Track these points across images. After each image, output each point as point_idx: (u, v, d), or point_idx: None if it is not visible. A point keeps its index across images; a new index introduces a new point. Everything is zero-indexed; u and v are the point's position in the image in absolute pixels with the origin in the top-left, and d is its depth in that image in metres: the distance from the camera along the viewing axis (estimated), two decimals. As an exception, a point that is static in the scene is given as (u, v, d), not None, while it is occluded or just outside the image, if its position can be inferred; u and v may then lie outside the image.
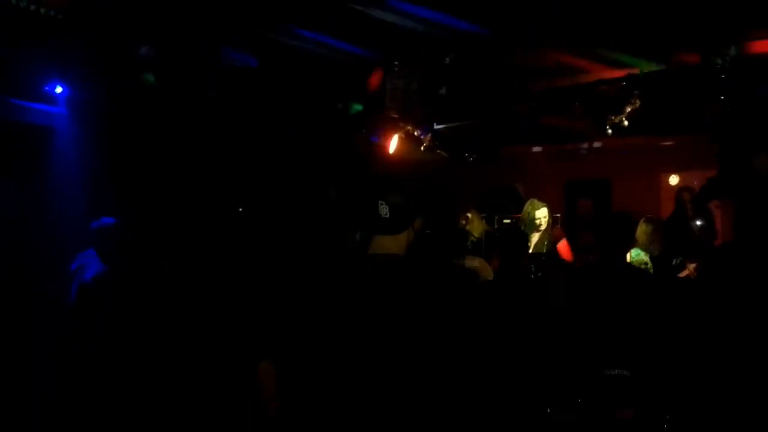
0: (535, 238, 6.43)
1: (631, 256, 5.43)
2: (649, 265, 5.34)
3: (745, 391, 3.44)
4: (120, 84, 4.15)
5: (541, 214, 5.82)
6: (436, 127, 5.93)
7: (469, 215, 6.51)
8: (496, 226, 6.86)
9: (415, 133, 5.97)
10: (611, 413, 2.36)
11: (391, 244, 2.54)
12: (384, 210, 2.55)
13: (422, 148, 6.10)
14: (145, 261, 3.58)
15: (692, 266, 4.98)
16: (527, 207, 5.97)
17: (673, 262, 5.04)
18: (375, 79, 4.98)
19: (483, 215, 6.83)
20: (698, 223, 5.58)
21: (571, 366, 3.40)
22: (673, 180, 7.31)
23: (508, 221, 7.01)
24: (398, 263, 2.52)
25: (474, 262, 4.82)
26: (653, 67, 4.67)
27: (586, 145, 6.79)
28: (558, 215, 6.85)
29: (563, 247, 5.98)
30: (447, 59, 4.69)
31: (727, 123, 4.43)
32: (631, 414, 2.38)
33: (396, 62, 4.93)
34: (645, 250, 5.32)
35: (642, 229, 5.27)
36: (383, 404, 2.33)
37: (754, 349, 3.36)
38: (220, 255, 3.87)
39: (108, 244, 3.63)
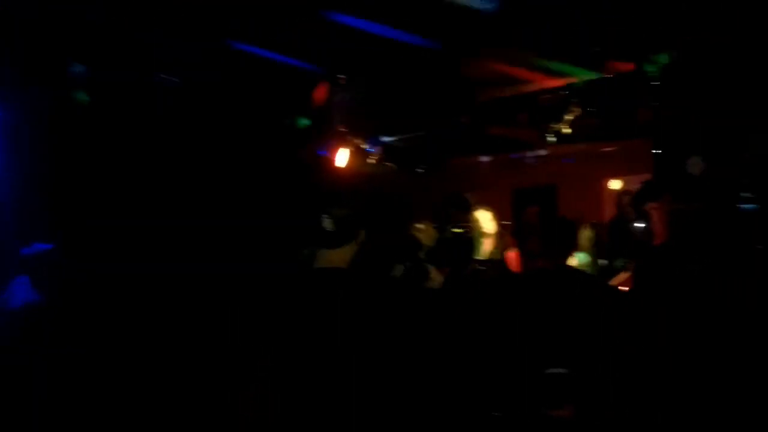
0: (484, 245, 6.54)
1: (577, 260, 5.58)
2: (593, 268, 5.51)
3: (680, 388, 3.56)
4: (51, 101, 4.05)
5: (485, 218, 5.94)
6: (384, 139, 5.99)
7: (421, 225, 6.57)
8: (448, 236, 6.94)
9: (364, 147, 6.02)
10: (548, 411, 2.41)
11: (336, 257, 2.56)
12: (328, 223, 2.57)
13: (371, 161, 6.15)
14: (84, 289, 3.47)
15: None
16: (472, 215, 6.09)
17: (617, 265, 5.20)
18: (320, 93, 5.01)
19: (435, 225, 6.91)
20: (639, 225, 5.77)
21: (514, 367, 3.47)
22: (616, 185, 7.54)
23: (459, 230, 7.09)
24: (342, 277, 2.53)
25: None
26: (591, 76, 4.84)
27: (532, 154, 6.95)
28: (507, 223, 6.98)
29: (511, 254, 6.11)
30: (392, 72, 4.75)
31: (661, 128, 4.61)
32: (569, 412, 2.43)
33: (341, 75, 4.96)
34: (589, 254, 5.48)
35: (584, 235, 5.44)
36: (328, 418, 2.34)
37: (687, 347, 3.48)
38: (164, 274, 3.82)
39: (42, 272, 3.48)
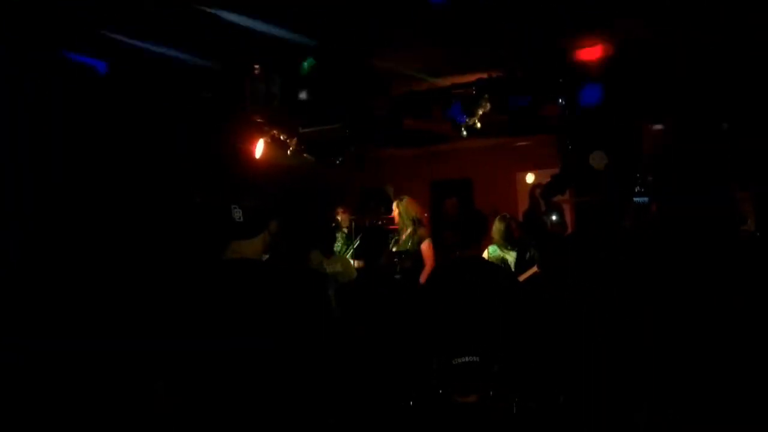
0: (402, 236, 6.65)
1: (488, 253, 5.75)
2: (507, 259, 5.69)
3: (586, 373, 3.76)
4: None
5: (404, 210, 6.05)
6: (301, 130, 5.96)
7: (339, 211, 6.61)
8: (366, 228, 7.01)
9: (281, 137, 5.96)
10: (458, 398, 2.49)
11: (246, 248, 2.54)
12: (237, 214, 2.54)
13: (289, 152, 6.11)
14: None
15: None
16: (394, 207, 6.19)
17: (527, 256, 5.39)
18: (235, 83, 4.93)
19: (352, 217, 6.96)
20: (552, 217, 6.00)
21: (426, 357, 3.56)
22: (530, 178, 7.80)
23: (378, 223, 7.18)
24: (251, 268, 2.52)
25: (336, 266, 4.91)
26: (499, 72, 4.98)
27: (447, 147, 7.09)
28: (425, 215, 7.11)
29: (426, 246, 6.23)
30: (306, 64, 4.73)
31: (565, 124, 4.81)
32: (475, 398, 2.52)
33: (256, 66, 4.90)
34: (500, 246, 5.65)
35: (496, 227, 5.61)
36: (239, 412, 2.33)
37: (590, 333, 3.68)
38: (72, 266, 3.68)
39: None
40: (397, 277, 5.35)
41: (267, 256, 2.66)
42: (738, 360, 3.45)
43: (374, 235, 4.54)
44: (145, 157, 4.71)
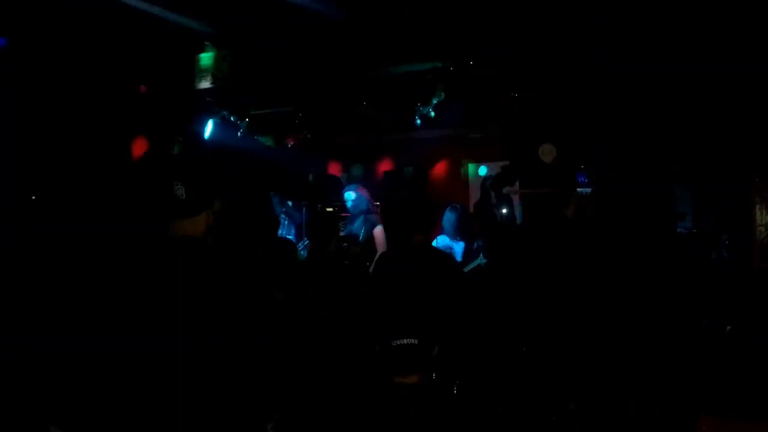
0: (354, 224, 6.65)
1: (437, 242, 5.79)
2: (455, 249, 5.74)
3: (525, 357, 3.84)
4: None
5: (348, 197, 6.05)
6: (253, 112, 5.86)
7: None
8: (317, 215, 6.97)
9: (232, 119, 5.86)
10: (398, 378, 2.50)
11: (190, 226, 2.48)
12: (180, 191, 2.48)
13: (239, 133, 6.00)
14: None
15: None
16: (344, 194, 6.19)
17: (474, 246, 5.45)
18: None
19: (305, 203, 6.91)
20: (501, 210, 6.08)
21: (367, 340, 3.58)
22: (482, 170, 7.88)
23: (330, 209, 7.15)
24: (193, 247, 2.47)
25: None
26: (455, 61, 5.00)
27: (401, 136, 7.09)
28: (377, 203, 7.12)
29: (379, 232, 6.24)
30: (259, 45, 4.65)
31: (517, 116, 4.87)
32: (416, 379, 2.54)
33: (207, 43, 4.79)
34: (449, 236, 5.70)
35: (446, 217, 5.65)
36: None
37: (534, 320, 3.76)
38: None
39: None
40: (346, 262, 5.33)
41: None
42: (666, 352, 3.57)
43: (325, 219, 4.53)
44: (83, 136, 4.57)
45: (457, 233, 5.68)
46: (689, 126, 4.95)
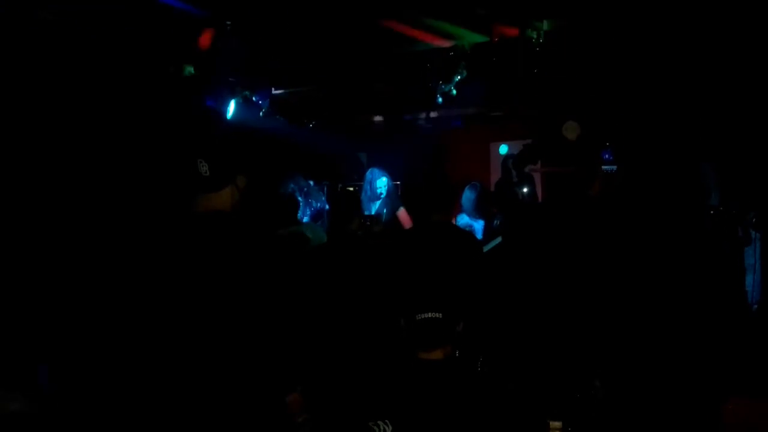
0: (376, 205, 6.66)
1: (456, 222, 5.78)
2: (474, 228, 5.73)
3: (547, 335, 3.84)
4: None
5: (381, 184, 6.05)
6: (274, 92, 5.87)
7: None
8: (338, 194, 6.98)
9: (253, 99, 5.87)
10: (421, 353, 2.51)
11: (215, 202, 2.52)
12: (204, 168, 2.52)
13: (261, 113, 6.02)
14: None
15: None
16: (368, 176, 6.17)
17: (494, 224, 5.43)
18: (205, 39, 4.80)
19: (327, 183, 6.93)
20: (524, 188, 6.05)
21: (393, 315, 3.60)
22: (503, 149, 7.81)
23: (351, 189, 7.16)
24: (222, 221, 2.50)
25: (307, 232, 4.91)
26: (477, 39, 4.96)
27: (423, 115, 7.06)
28: (398, 183, 7.11)
29: (403, 214, 6.25)
30: (281, 23, 4.64)
31: (541, 94, 4.82)
32: (440, 355, 2.55)
33: (229, 22, 4.78)
34: (469, 214, 5.69)
35: (466, 196, 5.64)
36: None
37: (552, 297, 3.75)
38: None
39: None
40: (369, 241, 5.36)
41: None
42: (694, 331, 3.54)
43: (346, 199, 4.54)
44: (109, 116, 4.60)
45: (477, 212, 5.66)
46: (714, 103, 4.87)
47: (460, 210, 5.77)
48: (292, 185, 4.74)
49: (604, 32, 4.61)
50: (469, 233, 4.57)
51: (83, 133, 4.43)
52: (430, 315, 2.50)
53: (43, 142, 4.17)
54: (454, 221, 5.65)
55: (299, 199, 5.73)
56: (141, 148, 4.43)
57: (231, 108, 5.78)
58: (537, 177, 6.01)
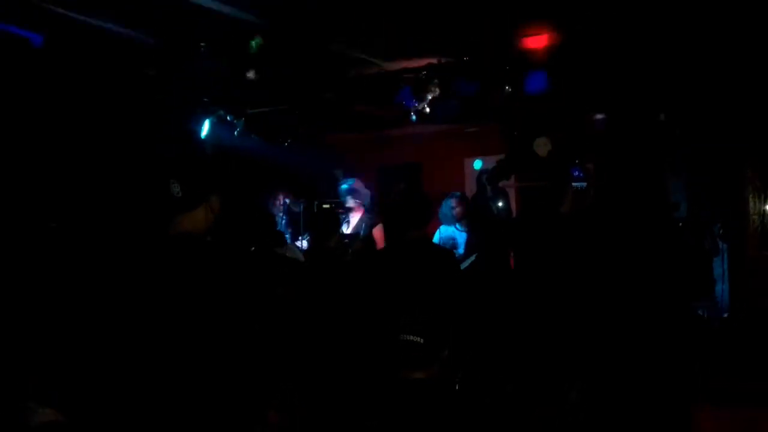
0: (353, 221, 6.68)
1: (440, 233, 5.82)
2: (457, 240, 5.77)
3: (524, 350, 3.90)
4: None
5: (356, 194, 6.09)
6: (249, 111, 5.89)
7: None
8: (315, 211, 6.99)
9: (228, 118, 5.88)
10: (405, 373, 2.54)
11: (187, 222, 2.52)
12: (176, 188, 2.51)
13: (236, 133, 6.03)
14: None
15: None
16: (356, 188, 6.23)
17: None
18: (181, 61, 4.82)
19: (303, 201, 6.93)
20: (498, 203, 6.13)
21: (374, 336, 3.63)
22: (477, 164, 7.91)
23: (327, 206, 7.18)
24: (194, 243, 2.50)
25: (285, 253, 4.93)
26: (449, 58, 5.04)
27: (397, 132, 7.13)
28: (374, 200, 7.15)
29: (378, 231, 6.28)
30: (254, 43, 4.67)
31: (511, 111, 4.92)
32: (422, 375, 2.58)
33: (202, 44, 4.80)
34: (449, 223, 5.74)
35: (448, 205, 5.70)
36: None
37: (532, 316, 3.81)
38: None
39: None
40: (348, 258, 5.38)
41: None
42: (662, 341, 3.62)
43: (324, 217, 4.56)
44: (82, 134, 4.57)
45: (459, 220, 5.69)
46: (682, 118, 5.00)
47: (437, 225, 5.81)
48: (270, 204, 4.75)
49: (575, 48, 4.72)
50: (447, 251, 4.61)
51: (56, 152, 4.40)
52: (411, 338, 2.52)
53: (16, 163, 4.14)
54: (437, 232, 5.70)
55: (280, 216, 5.75)
56: (113, 169, 4.41)
57: (205, 127, 5.79)
58: (512, 192, 6.12)
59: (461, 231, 5.71)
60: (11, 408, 2.60)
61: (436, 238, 5.79)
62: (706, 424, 3.21)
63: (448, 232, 5.81)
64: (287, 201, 6.73)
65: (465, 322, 3.82)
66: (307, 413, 3.17)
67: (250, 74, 4.84)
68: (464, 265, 4.92)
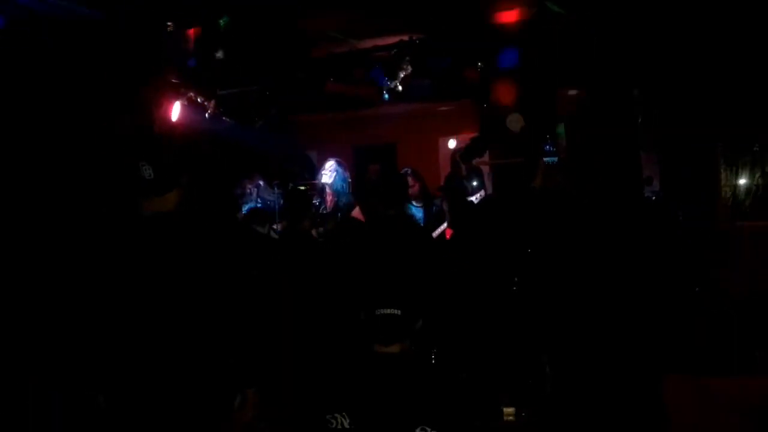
0: (328, 202, 6.66)
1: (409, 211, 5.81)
2: (415, 215, 5.76)
3: (497, 324, 3.92)
4: None
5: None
6: (219, 92, 5.79)
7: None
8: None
9: (199, 100, 5.77)
10: (379, 348, 2.53)
11: (160, 204, 2.50)
12: (147, 171, 2.49)
13: (207, 115, 5.93)
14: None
15: None
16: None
17: (433, 210, 5.48)
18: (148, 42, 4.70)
19: (276, 182, 6.89)
20: (472, 182, 6.14)
21: (350, 310, 3.63)
22: (452, 143, 7.90)
23: (302, 188, 7.14)
24: (169, 222, 2.48)
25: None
26: (420, 35, 5.00)
27: (371, 112, 7.07)
28: (349, 180, 7.11)
29: (356, 212, 6.27)
30: (221, 22, 4.57)
31: (484, 88, 4.90)
32: (397, 348, 2.57)
33: (169, 23, 4.69)
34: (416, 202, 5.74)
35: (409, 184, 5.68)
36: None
37: (501, 286, 3.83)
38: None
39: None
40: (320, 239, 5.36)
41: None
42: (635, 313, 3.67)
43: (297, 198, 4.53)
44: (48, 119, 4.45)
45: (415, 198, 5.68)
46: (656, 92, 5.03)
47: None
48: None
49: (548, 22, 4.71)
50: (422, 227, 4.62)
51: (24, 136, 4.28)
52: (389, 311, 2.51)
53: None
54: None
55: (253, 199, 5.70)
56: (83, 153, 4.31)
57: (175, 110, 5.67)
58: (485, 170, 6.13)
59: (418, 207, 5.71)
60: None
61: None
62: (675, 393, 3.26)
63: (409, 210, 5.80)
64: (260, 184, 6.68)
65: (439, 294, 3.84)
66: (283, 390, 3.16)
67: (219, 54, 4.75)
68: (436, 233, 4.93)
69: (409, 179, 5.53)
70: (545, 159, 3.88)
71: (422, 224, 5.50)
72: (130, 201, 2.56)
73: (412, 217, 5.42)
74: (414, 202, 5.68)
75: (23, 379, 2.95)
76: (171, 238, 2.46)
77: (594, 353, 3.42)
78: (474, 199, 5.07)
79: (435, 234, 5.01)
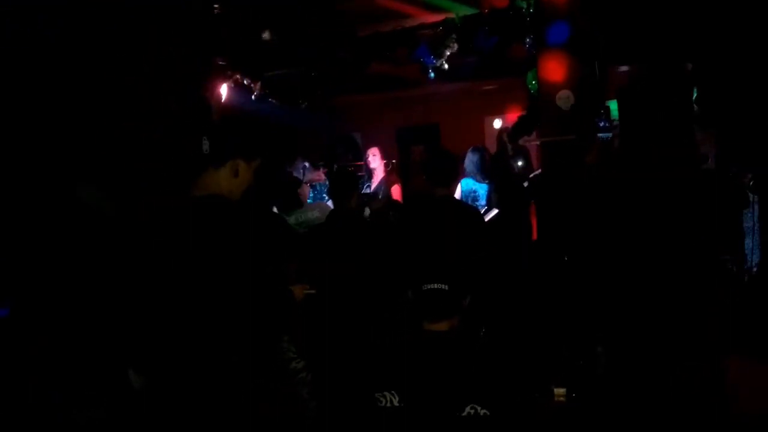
0: (373, 183, 6.68)
1: (461, 186, 5.78)
2: (479, 192, 5.72)
3: (550, 304, 3.87)
4: None
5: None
6: (266, 74, 5.83)
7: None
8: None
9: (245, 82, 5.83)
10: (428, 324, 2.53)
11: (211, 181, 2.52)
12: (205, 146, 2.54)
13: (253, 97, 5.98)
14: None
15: None
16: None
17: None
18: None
19: (322, 163, 6.93)
20: (518, 161, 6.04)
21: (398, 288, 3.64)
22: (497, 123, 7.81)
23: (347, 168, 7.17)
24: (221, 206, 2.49)
25: (314, 212, 4.94)
26: (467, 12, 4.91)
27: (414, 92, 7.03)
28: (393, 161, 7.11)
29: (396, 191, 6.28)
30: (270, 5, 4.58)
31: (532, 64, 4.79)
32: (445, 326, 2.56)
33: (216, 6, 4.73)
34: (473, 177, 5.69)
35: (468, 158, 5.64)
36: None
37: (552, 267, 3.78)
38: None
39: None
40: (368, 218, 5.38)
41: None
42: (690, 294, 3.56)
43: (343, 177, 4.55)
44: (105, 99, 4.56)
45: (481, 173, 5.65)
46: (711, 68, 4.84)
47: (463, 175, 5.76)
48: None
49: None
50: (473, 209, 4.57)
51: (87, 124, 4.40)
52: (436, 286, 2.49)
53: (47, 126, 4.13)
54: (458, 186, 5.66)
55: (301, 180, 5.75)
56: (139, 136, 4.41)
57: (223, 92, 5.74)
58: (532, 150, 6.02)
59: (482, 183, 5.66)
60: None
61: (458, 192, 5.76)
62: (736, 376, 3.17)
63: (470, 185, 5.76)
64: (306, 165, 6.73)
65: (488, 271, 3.82)
66: (333, 368, 3.19)
67: (266, 35, 4.76)
68: (487, 218, 4.89)
69: (473, 155, 5.53)
70: (600, 135, 3.78)
71: (484, 200, 5.48)
72: (184, 177, 2.59)
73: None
74: (478, 177, 5.65)
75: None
76: (221, 218, 2.47)
77: (650, 334, 3.34)
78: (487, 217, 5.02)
79: (488, 218, 4.97)
